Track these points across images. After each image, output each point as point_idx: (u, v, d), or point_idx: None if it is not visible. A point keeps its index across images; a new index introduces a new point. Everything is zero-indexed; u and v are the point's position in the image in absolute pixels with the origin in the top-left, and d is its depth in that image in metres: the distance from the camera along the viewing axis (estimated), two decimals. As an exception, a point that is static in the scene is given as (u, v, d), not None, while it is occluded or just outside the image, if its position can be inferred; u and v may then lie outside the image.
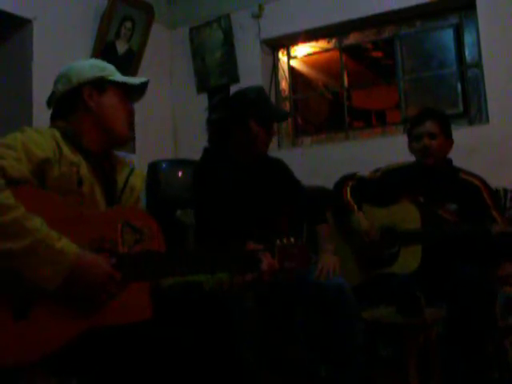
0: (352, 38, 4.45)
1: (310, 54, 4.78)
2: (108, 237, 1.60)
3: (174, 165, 3.91)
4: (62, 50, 3.73)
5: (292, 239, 1.79)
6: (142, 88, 1.89)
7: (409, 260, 2.63)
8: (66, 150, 1.67)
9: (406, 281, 2.57)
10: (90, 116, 1.76)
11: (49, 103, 1.84)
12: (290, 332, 2.58)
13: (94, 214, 1.65)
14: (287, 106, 4.67)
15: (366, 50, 5.27)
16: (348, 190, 2.83)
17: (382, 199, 2.81)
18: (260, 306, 2.24)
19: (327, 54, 4.72)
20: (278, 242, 1.78)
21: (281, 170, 2.74)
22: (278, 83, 4.68)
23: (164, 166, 3.82)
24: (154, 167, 3.76)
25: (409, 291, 2.45)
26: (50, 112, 1.86)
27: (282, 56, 4.74)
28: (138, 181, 1.89)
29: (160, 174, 3.75)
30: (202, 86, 4.67)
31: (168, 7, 4.81)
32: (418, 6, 3.98)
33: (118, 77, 1.83)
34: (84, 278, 1.49)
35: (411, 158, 2.89)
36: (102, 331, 1.52)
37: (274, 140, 4.09)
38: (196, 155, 2.74)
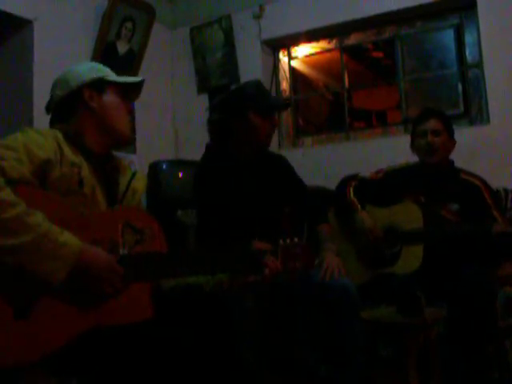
0: (353, 39, 4.45)
1: (310, 55, 4.78)
2: (109, 237, 1.60)
3: (174, 165, 3.90)
4: (63, 51, 3.73)
5: (296, 239, 1.79)
6: (138, 87, 1.91)
7: (410, 260, 2.63)
8: (67, 150, 1.67)
9: (407, 280, 2.57)
10: (92, 117, 1.76)
11: (47, 109, 1.85)
12: (291, 332, 2.58)
13: (94, 214, 1.65)
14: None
15: (366, 51, 5.28)
16: (351, 189, 2.84)
17: (384, 199, 2.81)
18: (260, 306, 2.24)
19: (328, 55, 4.73)
20: (281, 242, 1.78)
21: (283, 166, 2.74)
22: (278, 83, 4.68)
23: (165, 166, 3.81)
24: (154, 167, 3.76)
25: (409, 291, 2.44)
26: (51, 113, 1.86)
27: (283, 56, 4.74)
28: (141, 184, 1.90)
29: (161, 174, 3.74)
30: (202, 86, 4.67)
31: (169, 7, 4.81)
32: (418, 7, 3.98)
33: (115, 77, 1.84)
34: (88, 271, 1.50)
35: (412, 158, 2.89)
36: (103, 331, 1.52)
37: (275, 140, 4.08)
38: (197, 155, 2.74)
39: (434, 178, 2.78)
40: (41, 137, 1.64)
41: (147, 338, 1.53)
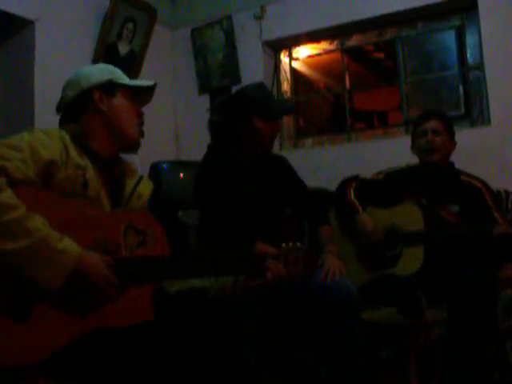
0: (354, 40, 4.45)
1: (311, 56, 4.78)
2: (111, 239, 1.60)
3: (175, 166, 3.91)
4: (64, 51, 3.74)
5: (298, 243, 1.79)
6: (150, 91, 1.89)
7: (411, 261, 2.63)
8: (73, 152, 1.66)
9: (407, 282, 2.57)
10: (101, 119, 1.75)
11: (58, 109, 1.83)
12: (292, 334, 2.58)
13: (97, 215, 1.64)
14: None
15: (367, 52, 5.28)
16: (352, 191, 2.83)
17: (385, 201, 2.81)
18: (261, 308, 2.24)
19: (329, 56, 4.73)
20: (283, 245, 1.78)
21: (284, 168, 2.73)
22: (279, 85, 4.68)
23: (166, 167, 3.82)
24: (155, 168, 3.76)
25: (410, 292, 2.44)
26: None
27: (284, 57, 4.74)
28: (147, 189, 1.88)
29: (162, 175, 3.75)
30: (203, 87, 4.67)
31: (170, 8, 4.82)
32: (419, 8, 3.98)
33: (127, 80, 1.83)
34: (86, 279, 1.49)
35: (412, 159, 2.89)
36: (103, 333, 1.51)
37: (276, 141, 4.07)
38: (198, 156, 2.74)
39: (434, 179, 2.78)
40: (47, 137, 1.62)
41: (148, 340, 1.52)
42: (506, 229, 2.48)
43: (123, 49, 4.15)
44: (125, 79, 1.83)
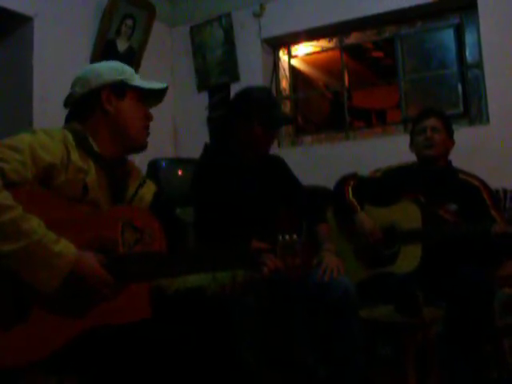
0: (353, 38, 4.45)
1: (310, 54, 4.78)
2: (108, 236, 1.59)
3: (173, 163, 3.91)
4: (63, 48, 3.74)
5: (294, 236, 1.77)
6: (160, 93, 1.87)
7: (409, 259, 2.63)
8: (75, 155, 1.63)
9: (405, 280, 2.57)
10: (107, 121, 1.73)
11: (66, 104, 1.80)
12: (290, 332, 2.58)
13: (95, 213, 1.63)
14: (288, 105, 4.68)
15: (366, 50, 5.28)
16: (350, 189, 2.83)
17: (383, 199, 2.82)
18: (260, 306, 2.24)
19: (328, 54, 4.73)
20: (280, 238, 1.75)
21: (280, 167, 2.73)
22: (278, 82, 4.68)
23: (164, 164, 3.82)
24: (153, 165, 3.76)
25: (407, 290, 2.45)
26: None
27: (283, 55, 4.74)
28: (149, 193, 1.86)
29: (160, 172, 3.75)
30: (202, 84, 4.67)
31: (169, 5, 4.81)
32: (418, 6, 3.98)
33: (138, 81, 1.80)
34: (81, 281, 1.48)
35: (411, 158, 2.89)
36: (102, 331, 1.51)
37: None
38: (196, 154, 2.74)
39: (432, 177, 2.79)
40: (49, 139, 1.60)
41: (147, 338, 1.52)
42: (504, 227, 2.48)
43: (122, 45, 4.15)
44: (136, 80, 1.79)
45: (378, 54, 5.42)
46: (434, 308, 2.50)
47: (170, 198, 3.56)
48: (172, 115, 4.75)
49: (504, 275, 2.70)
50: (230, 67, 4.53)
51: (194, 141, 3.83)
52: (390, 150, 3.75)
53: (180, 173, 3.79)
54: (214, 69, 4.61)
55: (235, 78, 4.49)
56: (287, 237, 1.75)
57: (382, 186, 2.86)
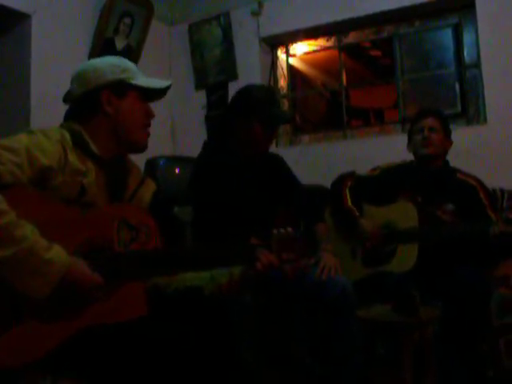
0: (351, 37, 4.45)
1: (308, 53, 4.78)
2: (104, 235, 1.58)
3: (171, 161, 3.90)
4: (61, 45, 3.73)
5: (289, 229, 1.74)
6: (163, 89, 1.81)
7: (405, 259, 2.64)
8: (72, 156, 1.61)
9: (402, 279, 2.58)
10: (107, 122, 1.69)
11: (65, 100, 1.77)
12: (288, 331, 2.59)
13: (90, 212, 1.61)
14: (286, 104, 4.67)
15: (364, 49, 5.28)
16: (348, 194, 2.83)
17: (381, 197, 2.82)
18: (258, 305, 2.24)
19: (326, 53, 4.73)
20: (274, 232, 1.73)
21: (278, 166, 2.73)
22: (276, 81, 4.67)
23: (162, 162, 3.80)
24: (151, 164, 3.75)
25: (404, 290, 2.45)
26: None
27: (281, 54, 4.73)
28: (148, 192, 1.83)
29: (158, 170, 3.74)
30: (200, 82, 4.66)
31: (167, 4, 4.80)
32: (417, 6, 3.98)
33: (140, 79, 1.74)
34: (72, 287, 1.46)
35: (408, 158, 2.90)
36: (98, 330, 1.50)
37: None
38: (194, 152, 2.73)
39: (430, 177, 2.79)
40: (47, 141, 1.57)
41: (145, 337, 1.51)
42: (502, 228, 2.48)
43: (120, 43, 4.14)
44: (137, 78, 1.74)
45: (376, 53, 5.42)
46: (431, 308, 2.50)
47: (168, 197, 3.56)
48: (170, 113, 4.74)
49: (500, 275, 2.71)
50: (228, 66, 4.52)
51: (192, 139, 3.84)
52: (387, 149, 3.75)
53: (178, 171, 3.78)
54: (213, 67, 4.60)
55: (233, 76, 4.49)
56: (282, 230, 1.73)
57: (380, 185, 2.87)
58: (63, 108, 1.80)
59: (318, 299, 2.33)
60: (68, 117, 1.75)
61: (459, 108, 3.95)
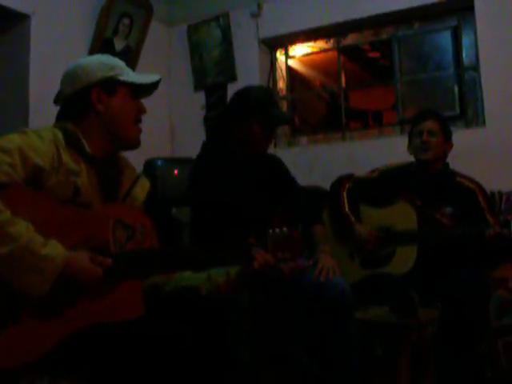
0: (350, 39, 4.46)
1: (307, 54, 4.79)
2: (100, 235, 1.58)
3: (170, 162, 3.91)
4: (60, 46, 3.73)
5: (284, 229, 1.74)
6: (153, 84, 1.80)
7: (403, 260, 2.64)
8: (66, 157, 1.60)
9: (401, 281, 2.58)
10: (98, 120, 1.68)
11: (56, 101, 1.76)
12: (286, 331, 2.59)
13: (86, 211, 1.61)
14: (284, 106, 4.68)
15: (363, 51, 5.28)
16: (345, 197, 2.83)
17: (379, 199, 2.82)
18: (255, 305, 2.24)
19: (325, 54, 4.73)
20: (270, 231, 1.73)
21: (277, 167, 2.73)
22: (275, 82, 4.68)
23: (160, 163, 3.82)
24: (150, 165, 3.76)
25: (403, 291, 2.45)
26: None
27: (280, 55, 4.74)
28: (143, 191, 1.83)
29: (156, 171, 3.75)
30: (199, 83, 4.66)
31: (166, 5, 4.80)
32: (416, 8, 3.98)
33: (129, 75, 1.75)
34: (71, 282, 1.46)
35: (407, 159, 2.90)
36: (96, 329, 1.50)
37: (271, 139, 4.09)
38: (192, 153, 2.73)
39: (429, 180, 2.79)
40: (40, 141, 1.56)
41: (142, 337, 1.51)
42: (498, 230, 2.49)
43: (119, 44, 4.14)
44: (126, 74, 1.74)
45: (375, 55, 5.43)
46: (430, 309, 2.51)
47: (166, 198, 3.56)
48: (169, 114, 4.74)
49: (499, 277, 2.71)
50: (227, 67, 4.53)
51: (191, 140, 3.84)
52: (386, 151, 3.76)
53: (176, 172, 3.79)
54: (211, 68, 4.61)
55: (232, 77, 4.49)
56: (277, 230, 1.74)
57: (379, 187, 2.87)
58: (62, 109, 1.80)
59: (316, 300, 2.33)
60: (60, 117, 1.74)
61: (458, 110, 3.96)
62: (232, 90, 3.46)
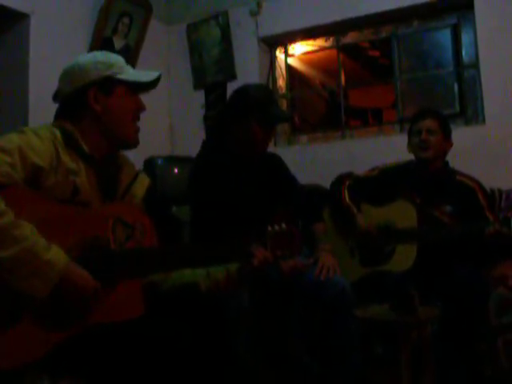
0: (349, 37, 4.46)
1: (307, 53, 4.78)
2: (100, 234, 1.58)
3: (169, 161, 3.91)
4: (59, 45, 3.72)
5: (283, 225, 1.74)
6: (152, 81, 1.78)
7: (403, 258, 2.64)
8: (64, 156, 1.60)
9: (400, 279, 2.58)
10: (95, 120, 1.67)
11: (54, 99, 1.76)
12: (286, 329, 2.59)
13: (86, 211, 1.61)
14: (284, 104, 4.68)
15: (363, 49, 5.29)
16: (346, 191, 2.84)
17: (379, 198, 2.82)
18: (255, 303, 2.24)
19: (325, 53, 4.73)
20: (269, 228, 1.73)
21: (277, 166, 2.73)
22: (275, 81, 4.68)
23: (160, 162, 3.82)
24: (149, 163, 3.76)
25: (403, 289, 2.45)
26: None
27: (280, 54, 4.74)
28: (142, 188, 1.82)
29: (156, 170, 3.75)
30: (198, 82, 4.66)
31: (166, 3, 4.80)
32: (415, 6, 3.98)
33: (127, 73, 1.72)
34: (71, 290, 1.46)
35: (406, 158, 2.90)
36: (96, 329, 1.50)
37: (271, 138, 4.09)
38: (192, 152, 2.73)
39: (428, 178, 2.79)
40: (39, 141, 1.56)
41: (141, 336, 1.51)
42: (497, 228, 2.49)
43: (118, 43, 4.14)
44: (125, 72, 1.72)
45: (375, 53, 5.43)
46: (430, 307, 2.50)
47: (166, 196, 3.56)
48: (168, 113, 4.74)
49: (498, 275, 2.71)
50: (226, 66, 4.52)
51: (191, 139, 3.84)
52: (385, 149, 3.76)
53: (176, 171, 3.79)
54: (211, 67, 4.60)
55: (232, 76, 4.49)
56: (276, 227, 1.74)
57: (379, 185, 2.87)
58: (61, 108, 1.80)
59: (316, 298, 2.34)
60: (58, 115, 1.73)
61: (457, 108, 3.96)
62: (231, 88, 3.46)
